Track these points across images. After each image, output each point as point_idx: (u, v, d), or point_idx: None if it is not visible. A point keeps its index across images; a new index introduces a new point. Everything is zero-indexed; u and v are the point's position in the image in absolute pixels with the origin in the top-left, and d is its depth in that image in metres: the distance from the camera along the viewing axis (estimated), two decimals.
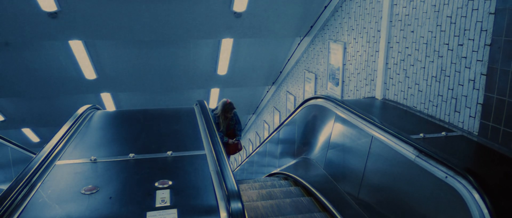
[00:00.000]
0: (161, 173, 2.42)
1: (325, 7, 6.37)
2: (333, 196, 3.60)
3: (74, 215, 1.95)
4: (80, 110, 3.81)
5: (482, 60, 3.02)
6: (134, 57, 8.54)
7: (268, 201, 3.83)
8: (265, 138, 7.65)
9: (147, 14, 6.46)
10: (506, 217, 1.88)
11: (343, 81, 5.88)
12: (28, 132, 12.46)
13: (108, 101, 10.71)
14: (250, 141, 13.75)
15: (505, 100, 2.78)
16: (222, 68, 9.02)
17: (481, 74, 3.03)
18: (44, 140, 12.85)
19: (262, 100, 11.74)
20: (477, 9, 3.04)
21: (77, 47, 7.57)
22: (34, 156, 2.59)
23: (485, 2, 2.96)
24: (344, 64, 5.80)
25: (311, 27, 7.10)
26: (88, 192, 2.15)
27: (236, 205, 1.92)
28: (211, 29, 7.15)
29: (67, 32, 6.69)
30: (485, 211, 1.90)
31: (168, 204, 2.02)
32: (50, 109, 10.54)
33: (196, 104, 4.28)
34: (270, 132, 7.48)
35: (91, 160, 2.62)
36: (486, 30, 2.95)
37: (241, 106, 12.40)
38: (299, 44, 7.97)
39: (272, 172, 6.05)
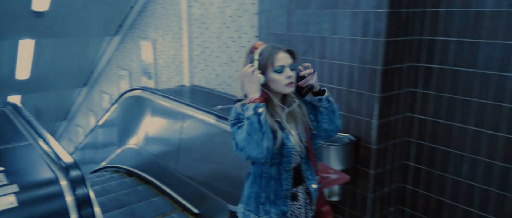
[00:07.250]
0: None
1: (131, 7, 6.79)
2: (156, 171, 4.22)
3: None
4: None
5: None
6: None
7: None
8: (80, 141, 7.54)
9: None
10: None
11: (156, 74, 6.48)
12: None
13: None
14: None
15: None
16: (23, 72, 8.25)
17: None
18: None
19: (73, 104, 11.17)
20: (248, 11, 4.14)
21: None
22: None
23: (251, 6, 4.07)
24: (155, 59, 6.40)
25: (120, 26, 7.38)
26: None
27: (75, 173, 2.30)
28: (7, 30, 6.58)
29: None
30: None
31: (6, 182, 2.23)
32: None
33: (6, 106, 4.13)
34: (87, 134, 7.43)
35: None
36: (254, 26, 4.06)
37: (49, 113, 11.44)
38: (109, 43, 8.11)
39: (97, 168, 6.16)
